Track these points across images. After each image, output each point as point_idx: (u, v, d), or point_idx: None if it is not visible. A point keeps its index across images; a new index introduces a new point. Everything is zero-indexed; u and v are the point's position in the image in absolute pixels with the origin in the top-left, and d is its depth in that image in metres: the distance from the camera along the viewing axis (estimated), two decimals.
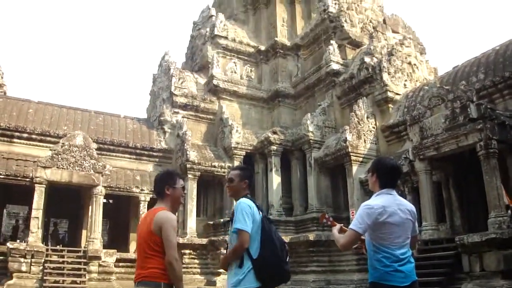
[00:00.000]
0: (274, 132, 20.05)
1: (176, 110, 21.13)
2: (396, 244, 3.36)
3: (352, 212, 16.49)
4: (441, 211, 13.91)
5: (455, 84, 14.50)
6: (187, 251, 18.16)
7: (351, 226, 3.31)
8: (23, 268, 14.74)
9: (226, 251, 3.61)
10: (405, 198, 14.52)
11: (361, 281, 14.61)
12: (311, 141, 18.92)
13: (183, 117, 20.99)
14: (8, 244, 15.49)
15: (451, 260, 11.88)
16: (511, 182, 12.49)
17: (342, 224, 3.56)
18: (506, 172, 12.36)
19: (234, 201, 3.76)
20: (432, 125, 13.23)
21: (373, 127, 17.95)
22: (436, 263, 12.16)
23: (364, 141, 17.51)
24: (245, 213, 3.56)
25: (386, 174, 3.56)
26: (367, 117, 17.87)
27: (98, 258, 16.06)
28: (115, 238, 21.61)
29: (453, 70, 17.17)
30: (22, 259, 14.79)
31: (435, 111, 13.23)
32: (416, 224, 3.54)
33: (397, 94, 18.04)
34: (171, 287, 3.45)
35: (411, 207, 3.51)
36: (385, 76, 17.93)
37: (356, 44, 20.97)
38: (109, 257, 16.27)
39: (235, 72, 22.67)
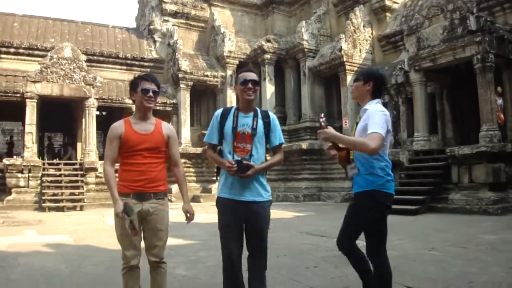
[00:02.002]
0: (268, 40, 19.56)
1: (166, 18, 20.40)
2: (388, 153, 3.41)
3: (345, 121, 16.59)
4: (433, 122, 14.04)
5: None
6: (183, 160, 18.36)
7: (377, 130, 3.16)
8: (21, 183, 15.01)
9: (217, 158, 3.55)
10: (399, 109, 14.71)
11: (351, 188, 15.02)
12: (305, 49, 18.53)
13: (173, 25, 20.31)
14: (4, 160, 15.61)
15: (441, 171, 12.19)
16: (506, 96, 12.50)
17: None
18: (501, 86, 12.33)
19: (244, 105, 3.46)
20: (430, 35, 12.92)
21: (369, 36, 17.49)
22: (426, 173, 12.50)
23: (360, 50, 17.15)
24: None
25: (380, 84, 3.52)
26: (364, 26, 17.34)
27: (95, 169, 16.30)
28: None
29: None
30: (19, 175, 15.01)
31: (433, 21, 12.84)
32: None
33: (395, 2, 17.39)
34: None
35: None
36: None
37: None
38: None
39: None
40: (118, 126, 3.45)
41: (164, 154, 3.51)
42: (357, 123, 3.44)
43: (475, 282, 4.40)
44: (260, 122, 3.44)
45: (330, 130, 3.23)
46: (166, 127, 3.57)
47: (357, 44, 17.09)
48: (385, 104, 15.58)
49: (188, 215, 3.52)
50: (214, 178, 17.24)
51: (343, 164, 3.44)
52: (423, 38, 13.08)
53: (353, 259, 3.42)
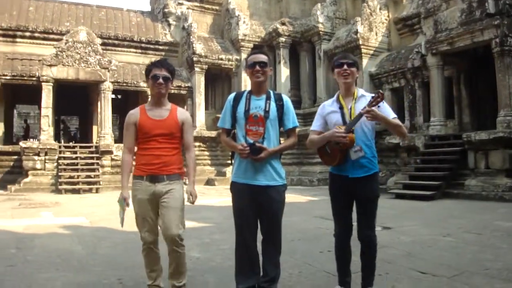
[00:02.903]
0: (283, 23, 19.40)
1: (180, 1, 20.34)
2: None
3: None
4: (450, 107, 13.84)
5: None
6: (197, 144, 18.50)
7: (396, 116, 3.35)
8: (38, 166, 15.18)
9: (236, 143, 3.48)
10: (415, 93, 14.53)
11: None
12: (320, 32, 18.38)
13: (188, 8, 20.24)
14: (21, 143, 15.79)
15: (457, 156, 12.03)
16: None
17: None
18: None
19: (255, 88, 3.45)
20: (447, 18, 12.68)
21: (386, 19, 17.22)
22: (442, 158, 12.34)
23: (376, 33, 16.92)
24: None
25: None
26: (380, 9, 17.06)
27: (110, 152, 16.44)
28: None
29: None
30: (36, 157, 15.17)
31: (451, 4, 12.59)
32: None
33: None
34: None
35: None
36: None
37: None
38: (121, 151, 16.48)
39: None
40: (133, 114, 3.56)
41: (179, 139, 3.55)
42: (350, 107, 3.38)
43: (490, 268, 4.37)
44: (273, 104, 3.41)
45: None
46: (181, 113, 3.61)
47: (373, 27, 16.85)
48: (401, 88, 15.44)
49: (191, 197, 3.50)
50: (229, 162, 17.28)
51: (347, 147, 3.28)
52: (441, 21, 12.84)
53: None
